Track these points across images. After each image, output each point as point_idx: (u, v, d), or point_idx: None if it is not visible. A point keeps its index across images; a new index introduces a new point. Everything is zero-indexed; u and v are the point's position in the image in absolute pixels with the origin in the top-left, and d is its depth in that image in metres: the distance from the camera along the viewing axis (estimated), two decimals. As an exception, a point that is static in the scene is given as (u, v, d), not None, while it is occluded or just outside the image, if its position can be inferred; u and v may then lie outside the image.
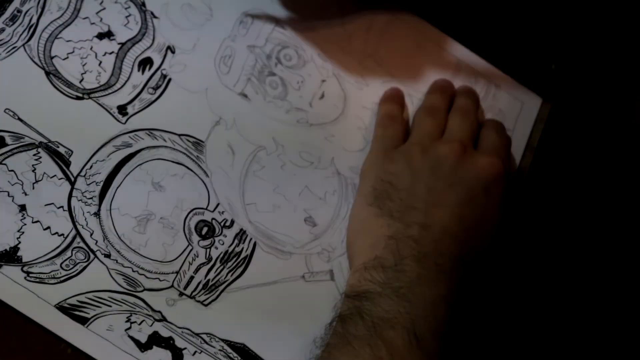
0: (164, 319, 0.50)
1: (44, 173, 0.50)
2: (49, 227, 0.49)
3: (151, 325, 0.49)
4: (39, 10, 0.53)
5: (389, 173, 0.53)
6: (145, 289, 0.50)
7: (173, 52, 0.55)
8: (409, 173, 0.53)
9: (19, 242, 0.49)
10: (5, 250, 0.48)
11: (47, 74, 0.52)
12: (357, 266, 0.50)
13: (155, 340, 0.49)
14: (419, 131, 0.56)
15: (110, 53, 0.54)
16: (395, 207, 0.51)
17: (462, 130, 0.56)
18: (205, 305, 0.51)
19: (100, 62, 0.53)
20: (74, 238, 0.50)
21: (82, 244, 0.50)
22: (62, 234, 0.49)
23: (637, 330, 0.59)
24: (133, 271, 0.50)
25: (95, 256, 0.50)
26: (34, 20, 0.53)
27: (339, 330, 0.47)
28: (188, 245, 0.51)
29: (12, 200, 0.49)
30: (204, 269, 0.51)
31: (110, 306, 0.49)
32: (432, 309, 0.47)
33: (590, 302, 0.60)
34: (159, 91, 0.54)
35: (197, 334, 0.50)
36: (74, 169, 0.51)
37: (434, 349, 0.46)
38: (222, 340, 0.50)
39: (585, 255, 0.60)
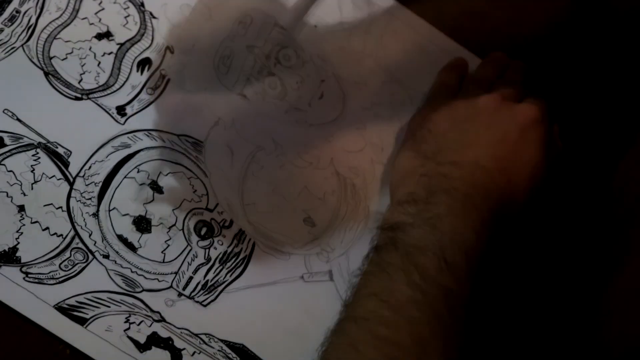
0: (162, 320, 0.50)
1: (43, 173, 0.50)
2: (47, 228, 0.49)
3: (150, 326, 0.49)
4: (38, 10, 0.53)
5: (429, 120, 0.55)
6: (144, 290, 0.50)
7: (172, 53, 0.55)
8: (447, 119, 0.54)
9: (18, 243, 0.49)
10: (4, 250, 0.48)
11: (46, 74, 0.52)
12: (393, 202, 0.52)
13: (154, 340, 0.49)
14: (465, 93, 0.57)
15: (109, 53, 0.53)
16: (431, 149, 0.53)
17: (505, 89, 0.57)
18: (204, 306, 0.51)
19: (99, 63, 0.53)
20: (72, 238, 0.50)
21: (80, 245, 0.50)
22: (61, 235, 0.49)
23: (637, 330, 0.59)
24: (132, 272, 0.50)
25: (94, 257, 0.50)
26: (32, 21, 0.53)
27: (375, 259, 0.49)
28: (187, 246, 0.51)
29: (11, 201, 0.49)
30: (203, 270, 0.51)
31: (109, 307, 0.49)
32: (460, 236, 0.49)
33: (590, 302, 0.60)
34: (157, 92, 0.54)
35: (196, 335, 0.50)
36: (73, 169, 0.51)
37: (463, 271, 0.48)
38: (221, 340, 0.50)
39: (580, 254, 0.60)
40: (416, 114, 0.57)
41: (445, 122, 0.54)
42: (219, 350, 0.50)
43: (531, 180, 0.53)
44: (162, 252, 0.51)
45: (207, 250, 0.52)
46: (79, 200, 0.50)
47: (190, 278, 0.51)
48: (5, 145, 0.50)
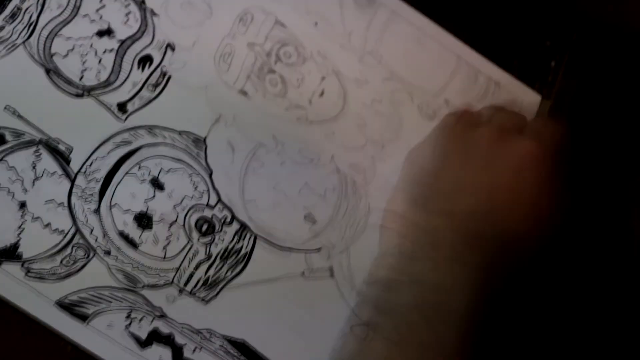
0: (164, 316, 0.50)
1: (44, 170, 0.50)
2: (49, 224, 0.49)
3: (151, 322, 0.49)
4: (39, 7, 0.53)
5: (422, 156, 0.53)
6: (145, 286, 0.50)
7: (173, 50, 0.55)
8: (439, 156, 0.52)
9: (19, 239, 0.49)
10: (6, 247, 0.48)
11: (47, 71, 0.52)
12: (380, 250, 0.51)
13: (155, 336, 0.49)
14: (462, 127, 0.54)
15: (110, 50, 0.54)
16: (422, 194, 0.50)
17: (502, 118, 0.54)
18: (206, 302, 0.51)
19: (100, 60, 0.53)
20: (74, 235, 0.50)
21: (82, 241, 0.50)
22: (62, 231, 0.50)
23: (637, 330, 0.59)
24: (133, 268, 0.50)
25: (96, 253, 0.50)
26: (33, 18, 0.53)
27: (358, 314, 0.48)
28: (188, 242, 0.51)
29: (13, 197, 0.49)
30: (204, 266, 0.51)
31: (111, 303, 0.49)
32: (447, 297, 0.46)
33: (590, 302, 0.60)
34: (158, 89, 0.54)
35: (197, 331, 0.50)
36: (74, 166, 0.51)
37: (448, 337, 0.45)
38: (222, 336, 0.50)
39: (584, 252, 0.60)
40: (414, 148, 0.55)
41: (437, 158, 0.52)
42: (220, 346, 0.50)
43: (536, 226, 0.49)
44: (163, 248, 0.51)
45: (208, 246, 0.52)
46: (80, 197, 0.50)
47: (192, 274, 0.51)
48: (7, 142, 0.50)
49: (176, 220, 0.52)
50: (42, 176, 0.50)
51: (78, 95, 0.52)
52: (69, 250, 0.49)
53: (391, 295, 0.47)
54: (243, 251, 0.52)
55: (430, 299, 0.46)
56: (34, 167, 0.50)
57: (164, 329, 0.49)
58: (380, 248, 0.51)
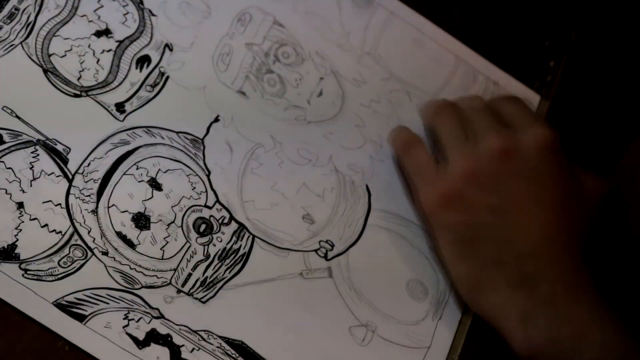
0: (161, 316, 0.50)
1: (42, 170, 0.50)
2: (46, 225, 0.49)
3: (149, 323, 0.49)
4: (37, 8, 0.53)
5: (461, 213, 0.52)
6: (143, 287, 0.50)
7: (171, 50, 0.55)
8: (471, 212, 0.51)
9: (17, 240, 0.49)
10: (3, 247, 0.48)
11: (45, 71, 0.52)
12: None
13: (153, 337, 0.49)
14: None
15: (108, 51, 0.54)
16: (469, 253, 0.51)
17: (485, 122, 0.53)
18: (203, 303, 0.51)
19: (98, 60, 0.53)
20: (71, 235, 0.50)
21: (79, 242, 0.50)
22: (60, 232, 0.49)
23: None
24: (130, 269, 0.50)
25: (93, 254, 0.50)
26: (31, 18, 0.53)
27: None
28: (186, 243, 0.51)
29: (10, 198, 0.49)
30: (202, 266, 0.51)
31: (108, 303, 0.49)
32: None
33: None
34: (156, 89, 0.54)
35: (195, 331, 0.50)
36: (72, 166, 0.51)
37: None
38: (220, 337, 0.50)
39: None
40: (428, 190, 0.53)
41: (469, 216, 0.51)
42: (217, 347, 0.50)
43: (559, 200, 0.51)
44: (161, 249, 0.51)
45: (206, 247, 0.52)
46: (78, 197, 0.50)
47: (189, 275, 0.51)
48: (4, 142, 0.50)
49: (174, 221, 0.52)
50: (39, 176, 0.50)
51: (76, 96, 0.52)
52: (66, 250, 0.49)
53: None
54: (241, 251, 0.52)
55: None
56: (31, 168, 0.50)
57: (162, 329, 0.49)
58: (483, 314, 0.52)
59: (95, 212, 0.50)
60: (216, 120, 0.54)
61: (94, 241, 0.50)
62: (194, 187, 0.53)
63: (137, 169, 0.52)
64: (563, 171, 0.52)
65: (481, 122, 0.52)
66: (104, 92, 0.53)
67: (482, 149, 0.51)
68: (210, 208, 0.52)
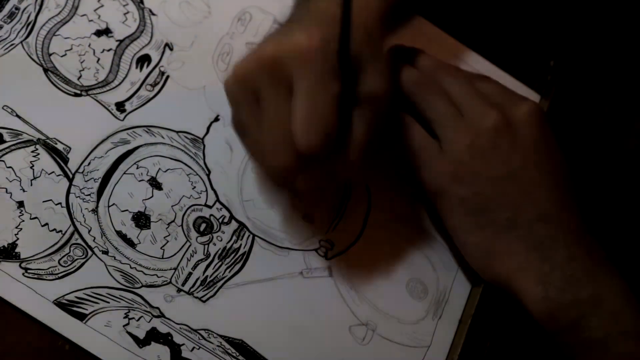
0: (162, 315, 0.50)
1: (42, 170, 0.50)
2: (47, 224, 0.49)
3: (149, 322, 0.49)
4: (37, 7, 0.53)
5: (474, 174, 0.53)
6: (143, 286, 0.50)
7: (171, 49, 0.55)
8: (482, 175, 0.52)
9: (17, 239, 0.49)
10: (4, 246, 0.48)
11: (45, 70, 0.52)
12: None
13: (153, 336, 0.49)
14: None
15: (108, 50, 0.54)
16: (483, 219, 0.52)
17: (486, 89, 0.55)
18: (204, 302, 0.51)
19: (98, 59, 0.53)
20: (72, 234, 0.50)
21: (80, 241, 0.50)
22: (60, 231, 0.49)
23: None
24: (131, 268, 0.50)
25: (93, 253, 0.50)
26: (32, 18, 0.53)
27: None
28: (186, 242, 0.51)
29: (11, 197, 0.49)
30: (202, 265, 0.51)
31: (109, 302, 0.49)
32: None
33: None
34: (157, 88, 0.54)
35: (195, 330, 0.50)
36: (72, 165, 0.51)
37: None
38: (220, 336, 0.50)
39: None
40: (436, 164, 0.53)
41: (474, 183, 0.52)
42: (218, 346, 0.50)
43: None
44: (161, 248, 0.51)
45: (206, 246, 0.52)
46: (78, 196, 0.50)
47: (190, 274, 0.51)
48: (5, 142, 0.50)
49: (174, 220, 0.52)
50: (40, 176, 0.50)
51: (76, 95, 0.52)
52: (66, 249, 0.49)
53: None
54: (241, 250, 0.52)
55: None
56: (32, 167, 0.50)
57: (162, 328, 0.49)
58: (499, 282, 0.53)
59: (95, 211, 0.50)
60: (216, 119, 0.54)
61: (94, 240, 0.50)
62: (194, 187, 0.53)
63: (137, 168, 0.52)
64: (554, 140, 0.54)
65: (473, 100, 0.53)
66: (104, 92, 0.53)
67: (481, 124, 0.52)
68: (210, 207, 0.52)
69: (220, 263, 0.52)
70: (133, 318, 0.49)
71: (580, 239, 0.51)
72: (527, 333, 0.53)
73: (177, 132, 0.53)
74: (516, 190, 0.52)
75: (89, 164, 0.51)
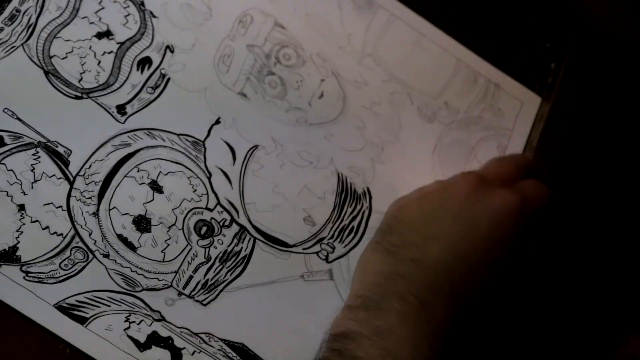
0: (162, 319, 0.50)
1: (43, 172, 0.50)
2: (47, 227, 0.49)
3: (150, 325, 0.49)
4: (38, 9, 0.53)
5: (399, 207, 0.53)
6: (144, 289, 0.50)
7: (172, 52, 0.55)
8: (415, 205, 0.52)
9: (18, 242, 0.49)
10: (4, 249, 0.48)
11: (46, 73, 0.52)
12: (345, 303, 0.50)
13: (154, 340, 0.49)
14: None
15: (109, 52, 0.53)
16: (394, 242, 0.50)
17: (487, 168, 0.54)
18: (204, 305, 0.51)
19: (99, 62, 0.53)
20: (72, 238, 0.50)
21: (80, 244, 0.50)
22: (61, 234, 0.49)
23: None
24: (132, 271, 0.50)
25: (94, 256, 0.50)
26: (32, 20, 0.53)
27: None
28: (187, 245, 0.51)
29: (11, 200, 0.49)
30: (203, 269, 0.51)
31: (109, 306, 0.49)
32: (412, 349, 0.45)
33: (590, 302, 0.60)
34: (158, 91, 0.54)
35: (196, 334, 0.50)
36: (73, 168, 0.51)
37: None
38: (221, 340, 0.50)
39: (583, 254, 0.60)
40: (396, 200, 0.54)
41: (413, 208, 0.52)
42: (219, 350, 0.50)
43: (498, 267, 0.50)
44: (162, 251, 0.51)
45: (207, 249, 0.52)
46: (79, 200, 0.50)
47: (190, 277, 0.51)
48: (5, 145, 0.50)
49: (175, 223, 0.51)
50: (40, 179, 0.50)
51: (77, 97, 0.52)
52: (67, 253, 0.49)
53: (355, 349, 0.45)
54: (242, 254, 0.52)
55: (395, 350, 0.45)
56: (32, 170, 0.50)
57: (163, 332, 0.49)
58: (347, 298, 0.51)
59: (96, 214, 0.50)
60: (217, 122, 0.54)
61: (95, 244, 0.50)
62: (195, 190, 0.53)
63: (138, 171, 0.52)
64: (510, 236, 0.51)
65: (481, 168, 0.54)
66: (105, 94, 0.53)
67: (450, 182, 0.52)
68: (211, 210, 0.52)
69: (221, 266, 0.52)
70: (134, 322, 0.49)
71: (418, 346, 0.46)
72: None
73: (178, 134, 0.53)
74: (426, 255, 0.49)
75: (90, 166, 0.51)
